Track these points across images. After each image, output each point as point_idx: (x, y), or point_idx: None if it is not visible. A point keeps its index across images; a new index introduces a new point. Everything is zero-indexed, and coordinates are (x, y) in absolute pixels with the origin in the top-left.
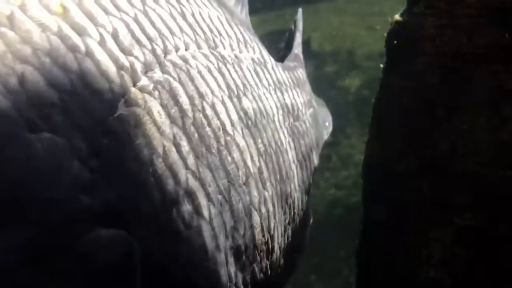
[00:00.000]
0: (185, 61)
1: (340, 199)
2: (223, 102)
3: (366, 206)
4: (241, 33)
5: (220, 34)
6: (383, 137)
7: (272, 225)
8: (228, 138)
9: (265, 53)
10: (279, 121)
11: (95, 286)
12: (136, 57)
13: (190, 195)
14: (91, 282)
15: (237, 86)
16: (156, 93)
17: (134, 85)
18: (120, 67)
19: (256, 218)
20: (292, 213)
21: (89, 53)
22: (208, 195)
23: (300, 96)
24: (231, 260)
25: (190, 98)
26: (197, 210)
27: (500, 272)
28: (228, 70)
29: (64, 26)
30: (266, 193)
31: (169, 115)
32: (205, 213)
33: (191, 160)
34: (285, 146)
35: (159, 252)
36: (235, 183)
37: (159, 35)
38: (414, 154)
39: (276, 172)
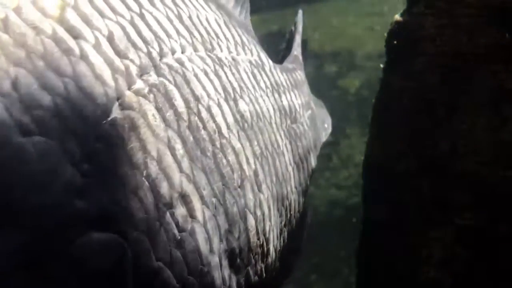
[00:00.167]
0: (181, 64)
1: (340, 199)
2: (219, 105)
3: (366, 206)
4: (239, 35)
5: (218, 37)
6: (383, 137)
7: (267, 227)
8: (224, 141)
9: (263, 55)
10: (276, 123)
11: None
12: (132, 60)
13: (184, 198)
14: (83, 287)
15: (233, 88)
16: (151, 96)
17: (129, 88)
18: (115, 70)
19: (251, 221)
20: (289, 215)
21: (83, 57)
22: (202, 198)
23: (298, 98)
24: (225, 263)
25: (186, 101)
26: (191, 213)
27: (500, 272)
28: (225, 73)
29: (59, 29)
30: (262, 196)
31: (164, 118)
32: (199, 216)
33: (185, 163)
34: (281, 148)
35: (153, 256)
36: (230, 186)
37: (155, 38)
38: (414, 154)
39: (272, 175)
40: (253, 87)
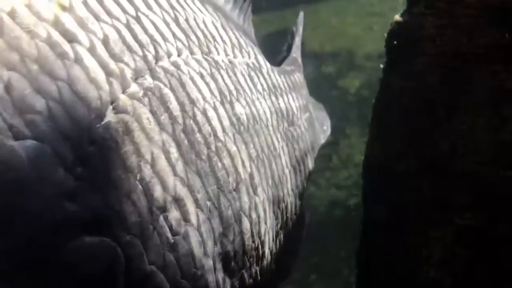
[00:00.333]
0: (177, 67)
1: (340, 199)
2: (214, 108)
3: (366, 206)
4: (236, 37)
5: (215, 39)
6: (383, 137)
7: (263, 230)
8: (219, 144)
9: (260, 57)
10: (272, 126)
11: None
12: (127, 64)
13: (178, 201)
14: None
15: (230, 91)
16: (146, 99)
17: (124, 92)
18: (109, 73)
19: (246, 223)
20: (285, 218)
21: (78, 60)
22: (196, 202)
23: (296, 101)
24: (219, 266)
25: (181, 105)
26: (185, 217)
27: (500, 272)
28: (221, 76)
29: (53, 33)
30: (257, 199)
31: (158, 121)
32: (193, 219)
33: (180, 167)
34: (278, 151)
35: (145, 259)
36: (225, 189)
37: (151, 41)
38: (414, 154)
39: (268, 177)
40: (250, 89)
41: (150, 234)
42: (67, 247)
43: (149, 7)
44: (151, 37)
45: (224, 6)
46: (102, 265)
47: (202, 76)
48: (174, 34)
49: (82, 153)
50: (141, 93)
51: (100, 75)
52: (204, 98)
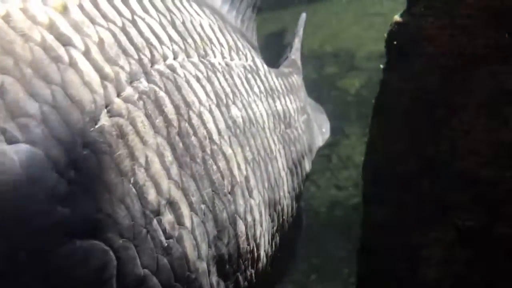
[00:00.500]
0: (173, 70)
1: (340, 199)
2: (210, 111)
3: (366, 207)
4: (233, 40)
5: (211, 42)
6: (383, 137)
7: (258, 233)
8: (215, 147)
9: (257, 59)
10: (269, 129)
11: None
12: (122, 67)
13: (172, 205)
14: None
15: (226, 94)
16: (141, 103)
17: (118, 96)
18: (104, 77)
19: (241, 226)
20: (281, 220)
21: (72, 64)
22: (191, 205)
23: (293, 103)
24: (213, 269)
25: (176, 108)
26: (178, 220)
27: (500, 272)
28: (218, 79)
29: (48, 36)
30: (253, 201)
31: (153, 125)
32: (187, 223)
33: (174, 170)
34: (274, 154)
35: (138, 263)
36: (220, 192)
37: (146, 44)
38: (414, 154)
39: (264, 180)
40: (247, 92)
41: (143, 238)
42: (59, 251)
43: (145, 10)
44: (147, 40)
45: (222, 8)
46: (94, 269)
47: (198, 79)
48: (170, 37)
49: (75, 157)
50: (136, 97)
51: (95, 79)
52: (200, 101)
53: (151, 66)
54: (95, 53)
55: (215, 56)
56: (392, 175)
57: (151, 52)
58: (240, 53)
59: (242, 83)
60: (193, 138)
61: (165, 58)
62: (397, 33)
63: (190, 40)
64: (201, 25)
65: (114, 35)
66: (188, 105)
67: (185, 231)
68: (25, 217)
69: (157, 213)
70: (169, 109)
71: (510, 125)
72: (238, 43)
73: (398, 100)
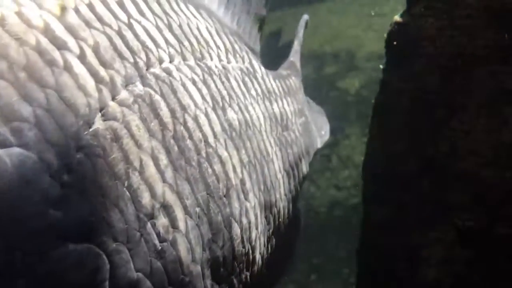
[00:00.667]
0: (169, 73)
1: (340, 199)
2: (206, 114)
3: (366, 207)
4: (230, 43)
5: (208, 45)
6: (383, 137)
7: (253, 235)
8: (210, 150)
9: (255, 62)
10: (266, 131)
11: None
12: (117, 71)
13: (166, 208)
14: None
15: (222, 97)
16: (136, 106)
17: (113, 99)
18: (99, 80)
19: (236, 229)
20: (277, 223)
21: (67, 67)
22: (185, 208)
23: (291, 105)
24: (207, 272)
25: (172, 111)
26: (173, 224)
27: (500, 272)
28: (214, 81)
29: (43, 40)
30: (248, 204)
31: (148, 128)
32: (181, 226)
33: (169, 174)
34: (271, 156)
35: (132, 267)
36: (215, 195)
37: (142, 47)
38: (414, 154)
39: (260, 183)
40: (243, 95)
41: (137, 241)
42: (51, 254)
43: (142, 13)
44: (143, 43)
45: (218, 10)
46: (87, 272)
47: (194, 82)
48: (166, 40)
49: (69, 160)
50: (131, 100)
51: (90, 82)
52: (195, 104)
53: (146, 70)
54: (90, 56)
55: (211, 59)
56: (392, 175)
57: (147, 55)
58: (237, 55)
59: (239, 85)
60: (188, 141)
61: (161, 61)
62: (397, 33)
63: (186, 43)
64: (197, 28)
65: (109, 39)
66: (183, 108)
67: (179, 235)
68: (17, 220)
69: (151, 216)
70: (165, 112)
71: (510, 125)
72: (235, 45)
73: (398, 100)
